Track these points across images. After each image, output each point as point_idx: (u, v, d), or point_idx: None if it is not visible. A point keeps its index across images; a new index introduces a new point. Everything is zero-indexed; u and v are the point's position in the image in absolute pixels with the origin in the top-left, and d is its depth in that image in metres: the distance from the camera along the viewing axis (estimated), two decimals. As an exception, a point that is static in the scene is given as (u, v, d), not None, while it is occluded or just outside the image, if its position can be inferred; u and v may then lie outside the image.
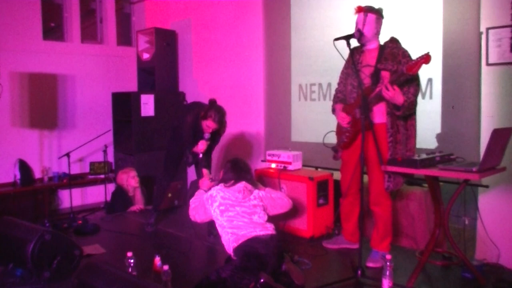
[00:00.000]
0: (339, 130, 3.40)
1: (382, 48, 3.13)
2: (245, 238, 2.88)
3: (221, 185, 3.19)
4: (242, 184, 3.13)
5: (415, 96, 3.01)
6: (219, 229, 3.10)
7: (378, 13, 3.13)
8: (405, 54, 3.05)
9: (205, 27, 5.89)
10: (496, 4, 3.22)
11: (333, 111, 3.43)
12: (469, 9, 3.32)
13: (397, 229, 3.75)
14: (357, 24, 3.12)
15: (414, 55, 2.97)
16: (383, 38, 3.20)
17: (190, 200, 3.32)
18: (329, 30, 4.30)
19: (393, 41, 3.14)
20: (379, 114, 3.12)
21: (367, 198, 3.39)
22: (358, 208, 3.42)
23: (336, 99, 3.42)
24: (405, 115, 3.03)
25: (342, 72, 3.41)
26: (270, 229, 2.98)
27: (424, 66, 3.29)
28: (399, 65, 3.00)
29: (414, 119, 3.14)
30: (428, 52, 2.74)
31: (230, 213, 3.03)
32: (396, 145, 3.07)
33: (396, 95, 2.89)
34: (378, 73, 3.07)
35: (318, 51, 4.42)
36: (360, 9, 3.10)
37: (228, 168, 3.25)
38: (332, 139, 3.51)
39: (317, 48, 4.42)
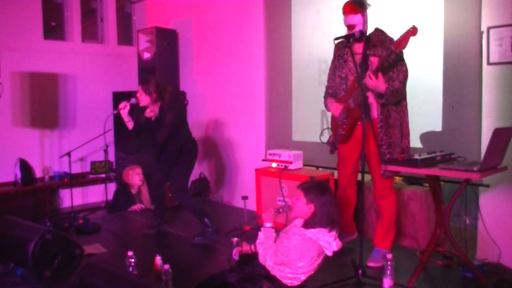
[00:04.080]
0: (335, 125, 3.39)
1: (368, 37, 3.13)
2: (283, 282, 2.58)
3: (324, 234, 2.52)
4: (340, 244, 2.57)
5: (403, 82, 3.00)
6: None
7: (368, 7, 3.13)
8: (392, 40, 3.03)
9: (206, 27, 5.88)
10: (497, 3, 3.22)
11: (325, 106, 3.44)
12: (470, 8, 3.31)
13: (398, 228, 3.74)
14: (356, 25, 3.06)
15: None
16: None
17: (257, 243, 2.70)
18: (330, 28, 4.30)
19: (379, 30, 3.16)
20: (375, 109, 3.12)
21: (368, 198, 3.39)
22: (355, 201, 3.44)
23: (327, 94, 3.44)
24: (390, 102, 3.02)
25: (330, 68, 3.42)
26: None
27: (425, 65, 3.30)
28: (387, 51, 2.99)
29: (405, 105, 3.14)
30: (414, 25, 2.75)
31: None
32: (389, 130, 3.06)
33: (379, 84, 2.90)
34: (367, 60, 3.06)
35: (319, 50, 4.41)
36: (356, 9, 3.06)
37: (319, 195, 2.56)
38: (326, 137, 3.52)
39: (318, 47, 4.42)
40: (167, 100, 3.76)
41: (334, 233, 2.54)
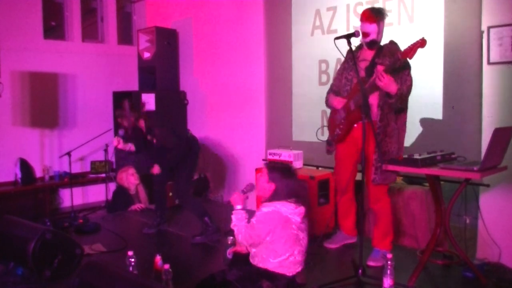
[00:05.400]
0: (333, 124, 3.41)
1: (381, 47, 3.15)
2: (278, 271, 2.58)
3: (285, 204, 2.58)
4: (303, 209, 2.62)
5: (408, 91, 3.01)
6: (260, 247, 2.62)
7: (386, 17, 3.14)
8: (405, 62, 3.04)
9: (206, 26, 5.88)
10: (497, 2, 3.22)
11: (326, 102, 3.44)
12: (470, 8, 3.31)
13: (398, 228, 3.74)
14: (370, 34, 3.08)
15: (415, 54, 2.97)
16: (383, 34, 3.22)
17: (232, 226, 2.70)
18: (331, 28, 4.30)
19: (393, 43, 3.17)
20: (375, 113, 3.13)
21: (365, 197, 3.39)
22: (355, 205, 3.50)
23: (330, 91, 3.45)
24: (396, 106, 3.02)
25: (339, 69, 3.44)
26: (303, 265, 2.70)
27: (425, 65, 3.30)
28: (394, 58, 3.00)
29: (405, 119, 3.15)
30: (423, 37, 2.77)
31: (296, 247, 2.60)
32: (386, 138, 3.07)
33: (390, 83, 2.90)
34: (373, 67, 3.07)
35: (319, 49, 4.41)
36: (372, 18, 3.06)
37: (283, 176, 2.64)
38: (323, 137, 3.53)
39: (318, 47, 4.42)
40: (146, 116, 4.02)
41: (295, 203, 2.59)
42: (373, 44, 3.10)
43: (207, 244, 3.77)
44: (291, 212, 2.56)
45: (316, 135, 3.57)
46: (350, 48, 2.87)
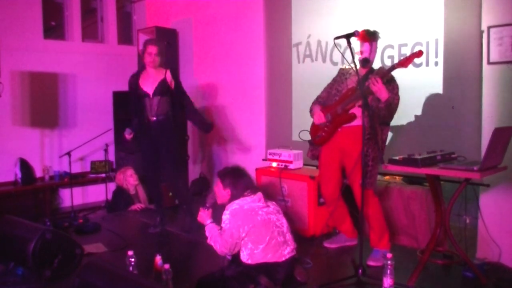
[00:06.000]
0: (316, 128, 3.48)
1: (373, 68, 3.29)
2: (268, 260, 2.67)
3: (243, 199, 2.78)
4: (260, 193, 2.84)
5: (396, 107, 3.12)
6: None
7: (378, 38, 3.26)
8: (393, 77, 3.17)
9: (206, 26, 5.88)
10: (497, 2, 3.21)
11: (310, 111, 3.52)
12: (470, 8, 3.31)
13: (398, 228, 3.74)
14: (363, 52, 3.22)
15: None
16: (383, 34, 3.33)
17: (208, 241, 2.84)
18: (331, 27, 4.30)
19: (383, 67, 3.32)
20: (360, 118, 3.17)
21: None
22: (347, 208, 3.56)
23: (315, 101, 3.54)
24: (383, 114, 3.08)
25: (330, 83, 3.51)
26: (292, 245, 2.82)
27: (425, 64, 3.31)
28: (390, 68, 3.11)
29: (387, 132, 3.26)
30: (420, 50, 2.96)
31: (265, 229, 2.70)
32: (375, 146, 3.15)
33: (383, 89, 3.00)
34: (365, 80, 3.14)
35: (320, 49, 4.41)
36: (366, 38, 3.19)
37: (234, 179, 2.84)
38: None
39: (319, 46, 4.41)
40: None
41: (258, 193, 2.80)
42: (366, 62, 3.24)
43: (206, 243, 3.76)
44: (250, 201, 2.74)
45: (299, 136, 3.66)
46: (350, 47, 2.88)
